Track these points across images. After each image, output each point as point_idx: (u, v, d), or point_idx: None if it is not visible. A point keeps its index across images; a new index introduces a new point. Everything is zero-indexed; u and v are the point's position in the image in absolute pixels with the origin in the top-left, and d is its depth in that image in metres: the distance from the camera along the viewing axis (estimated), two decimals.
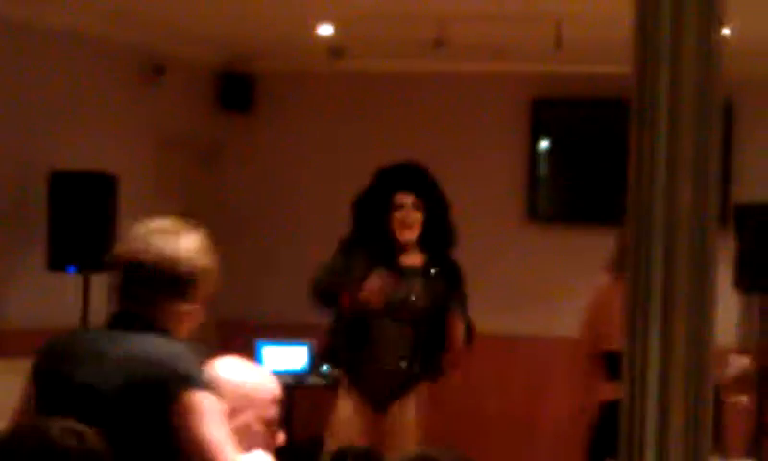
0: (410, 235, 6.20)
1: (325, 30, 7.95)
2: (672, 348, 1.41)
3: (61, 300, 7.87)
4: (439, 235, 6.19)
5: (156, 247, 3.45)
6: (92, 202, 7.71)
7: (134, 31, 8.44)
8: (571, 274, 9.07)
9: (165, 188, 9.08)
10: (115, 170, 7.86)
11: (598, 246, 8.64)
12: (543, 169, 9.23)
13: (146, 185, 8.78)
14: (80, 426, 2.87)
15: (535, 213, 9.21)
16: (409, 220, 6.15)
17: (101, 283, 7.74)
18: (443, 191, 6.41)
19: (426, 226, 6.18)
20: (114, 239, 7.66)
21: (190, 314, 3.50)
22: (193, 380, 3.27)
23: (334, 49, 8.38)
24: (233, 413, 3.44)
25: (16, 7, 7.64)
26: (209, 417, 3.25)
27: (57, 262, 7.69)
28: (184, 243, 3.49)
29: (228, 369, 3.57)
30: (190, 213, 8.35)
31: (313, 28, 7.93)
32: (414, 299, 6.11)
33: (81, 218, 7.66)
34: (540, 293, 9.15)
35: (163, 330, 3.42)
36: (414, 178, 6.31)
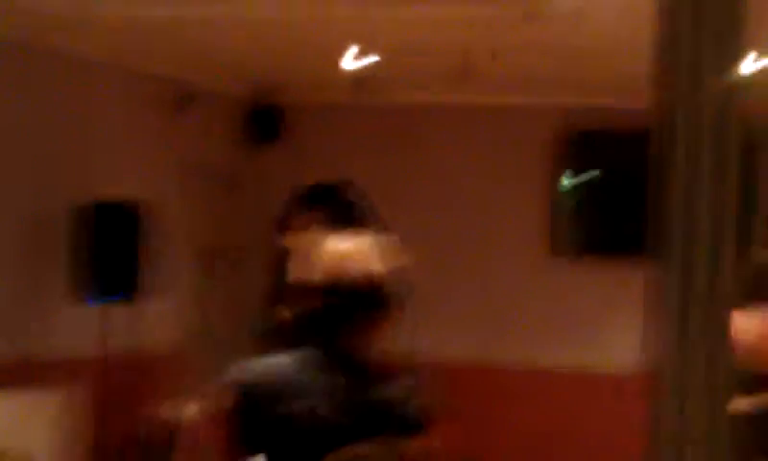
0: None
1: (352, 63, 7.98)
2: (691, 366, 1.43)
3: (85, 330, 7.91)
4: None
5: (358, 270, 3.29)
6: (119, 231, 7.76)
7: (164, 62, 8.49)
8: (596, 307, 9.08)
9: (191, 217, 9.12)
10: (142, 198, 7.89)
11: (624, 279, 8.65)
12: (568, 203, 9.23)
13: (172, 214, 8.82)
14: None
15: (559, 248, 9.20)
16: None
17: (121, 313, 7.81)
18: (358, 207, 6.33)
19: None
20: (140, 268, 7.75)
21: (381, 335, 3.37)
22: (420, 428, 3.25)
23: (360, 81, 8.40)
24: None
25: (47, 36, 7.70)
26: None
27: (82, 293, 7.73)
28: (383, 265, 3.33)
29: None
30: (217, 241, 8.45)
31: (340, 60, 7.96)
32: None
33: (107, 248, 7.71)
34: (564, 326, 9.15)
35: (366, 359, 3.32)
36: (321, 195, 6.27)
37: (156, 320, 8.38)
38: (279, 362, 3.37)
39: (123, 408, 7.45)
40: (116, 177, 8.33)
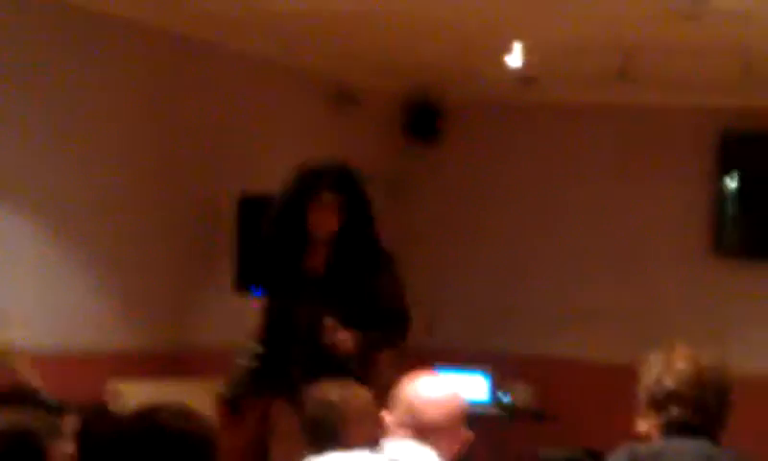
0: (324, 230, 6.15)
1: (513, 60, 7.96)
2: None
3: (246, 320, 8.02)
4: (357, 236, 6.13)
5: (709, 373, 3.93)
6: None
7: (324, 59, 8.59)
8: (758, 310, 8.90)
9: None
10: None
11: None
12: (731, 205, 9.04)
13: None
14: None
15: (722, 249, 9.03)
16: (325, 217, 6.14)
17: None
18: (367, 194, 6.35)
19: (346, 226, 6.14)
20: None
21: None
22: None
23: (522, 78, 8.38)
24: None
25: (209, 31, 7.85)
26: None
27: (243, 284, 7.85)
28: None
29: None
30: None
31: (500, 58, 7.95)
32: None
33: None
34: (727, 328, 8.97)
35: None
36: (336, 176, 6.29)
37: None
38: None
39: None
40: (277, 171, 8.44)
